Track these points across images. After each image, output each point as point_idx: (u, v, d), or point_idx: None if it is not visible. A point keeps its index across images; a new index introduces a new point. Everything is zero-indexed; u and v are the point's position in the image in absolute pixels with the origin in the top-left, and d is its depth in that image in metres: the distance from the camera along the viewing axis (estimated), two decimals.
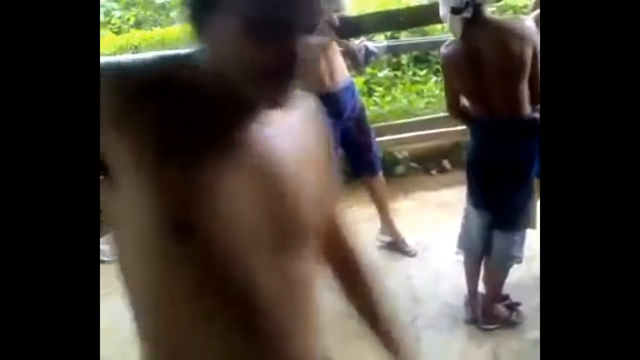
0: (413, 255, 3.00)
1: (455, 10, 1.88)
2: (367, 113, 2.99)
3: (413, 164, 4.11)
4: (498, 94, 1.94)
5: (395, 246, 3.07)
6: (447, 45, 2.00)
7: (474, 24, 1.88)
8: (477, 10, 1.86)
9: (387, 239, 3.10)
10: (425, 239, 3.15)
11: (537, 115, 1.97)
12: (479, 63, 1.91)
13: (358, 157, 2.89)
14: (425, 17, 2.69)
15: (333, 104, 2.61)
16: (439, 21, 2.35)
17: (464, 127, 3.73)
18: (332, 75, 2.63)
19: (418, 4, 5.74)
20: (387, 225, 3.10)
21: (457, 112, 2.16)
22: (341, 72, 2.69)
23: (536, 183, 2.14)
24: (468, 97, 2.06)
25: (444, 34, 5.54)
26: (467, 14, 1.86)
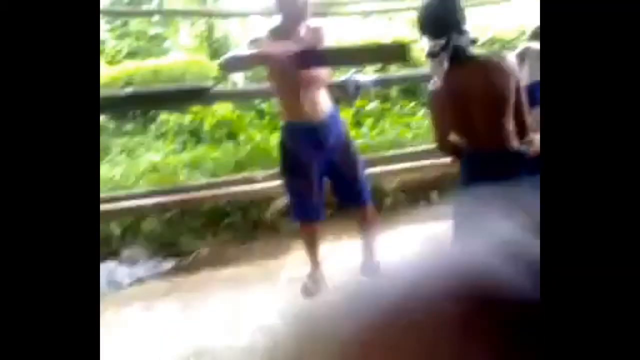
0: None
1: (431, 55, 1.92)
2: (354, 143, 2.93)
3: (401, 196, 4.13)
4: (484, 128, 1.97)
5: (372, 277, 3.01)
6: (434, 83, 2.04)
7: (457, 62, 1.91)
8: (457, 50, 1.89)
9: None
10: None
11: (523, 148, 2.01)
12: (464, 99, 1.94)
13: (343, 187, 2.85)
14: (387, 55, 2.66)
15: (316, 134, 2.63)
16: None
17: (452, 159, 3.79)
18: (315, 105, 2.61)
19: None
20: (368, 257, 3.04)
21: (445, 147, 2.18)
22: (325, 102, 2.67)
23: None
24: (456, 131, 2.09)
25: None
26: (443, 57, 1.89)
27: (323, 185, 2.83)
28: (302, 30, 2.51)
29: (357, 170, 2.83)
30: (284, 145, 2.75)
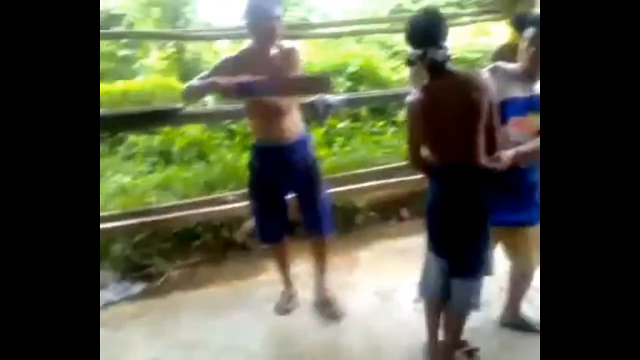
0: (336, 318, 2.88)
1: (409, 62, 2.02)
2: (320, 170, 2.84)
3: (372, 213, 4.16)
4: (456, 140, 2.03)
5: (321, 309, 2.94)
6: (412, 95, 2.10)
7: (435, 75, 2.00)
8: (436, 63, 1.97)
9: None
10: (385, 288, 3.16)
11: (491, 164, 2.07)
12: (439, 111, 2.01)
13: (305, 211, 2.82)
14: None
15: (284, 155, 2.62)
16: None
17: (421, 176, 3.85)
18: (284, 127, 2.60)
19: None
20: (319, 288, 3.01)
21: (417, 161, 2.22)
22: (295, 125, 2.66)
23: (492, 231, 2.22)
24: (428, 144, 2.14)
25: (401, 86, 5.76)
26: (421, 67, 1.98)
27: (287, 206, 2.84)
28: (273, 52, 2.50)
29: (319, 196, 2.79)
30: (252, 165, 2.75)
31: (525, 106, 2.27)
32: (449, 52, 1.97)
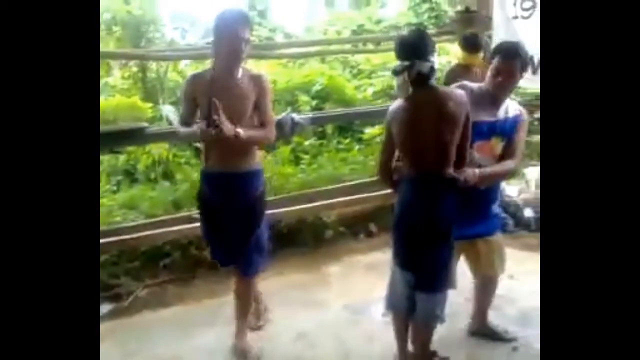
0: None
1: (394, 72, 2.15)
2: (264, 206, 2.69)
3: (341, 229, 4.22)
4: (430, 150, 2.14)
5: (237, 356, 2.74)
6: (395, 104, 2.23)
7: (419, 87, 2.12)
8: (421, 76, 2.10)
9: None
10: (355, 302, 3.20)
11: (457, 175, 2.18)
12: (418, 120, 2.13)
13: (235, 247, 2.62)
14: None
15: (234, 184, 2.54)
16: None
17: (387, 191, 3.92)
18: (237, 157, 2.51)
19: None
20: (238, 334, 2.79)
21: (386, 170, 2.33)
22: (251, 155, 2.57)
23: (455, 245, 2.30)
24: (402, 151, 2.23)
25: (366, 105, 5.88)
26: (406, 76, 2.10)
27: (237, 233, 2.61)
28: (240, 75, 2.45)
29: (254, 235, 2.61)
30: (201, 192, 2.65)
31: (489, 130, 2.37)
32: (435, 66, 2.10)
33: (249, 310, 2.81)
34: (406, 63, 2.09)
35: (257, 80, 2.49)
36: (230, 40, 2.37)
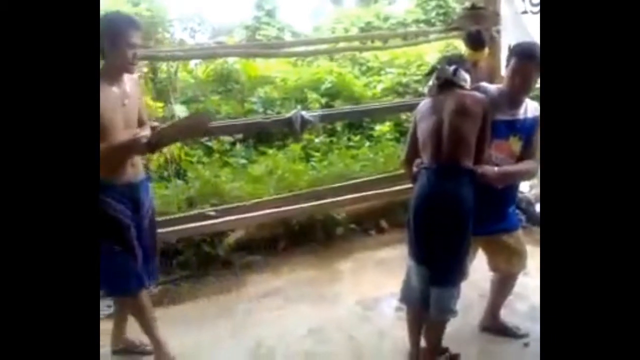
0: None
1: (425, 75, 2.42)
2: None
3: (352, 225, 4.23)
4: (449, 143, 2.21)
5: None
6: (423, 101, 2.41)
7: (445, 88, 2.28)
8: (447, 80, 2.28)
9: None
10: (366, 298, 3.22)
11: (476, 168, 2.23)
12: (439, 115, 2.25)
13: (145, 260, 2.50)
14: None
15: (136, 194, 2.43)
16: None
17: (398, 187, 3.94)
18: (135, 165, 2.43)
19: None
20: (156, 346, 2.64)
21: (408, 161, 2.44)
22: (140, 165, 2.49)
23: (473, 240, 2.30)
24: (423, 145, 2.31)
25: (376, 102, 5.89)
26: (434, 79, 2.31)
27: (141, 250, 2.47)
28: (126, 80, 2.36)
29: (154, 245, 2.57)
30: (101, 208, 2.30)
31: (507, 129, 2.37)
32: (466, 78, 2.30)
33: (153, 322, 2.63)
34: (436, 66, 2.34)
35: (135, 82, 2.45)
36: (122, 46, 2.25)
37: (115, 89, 2.30)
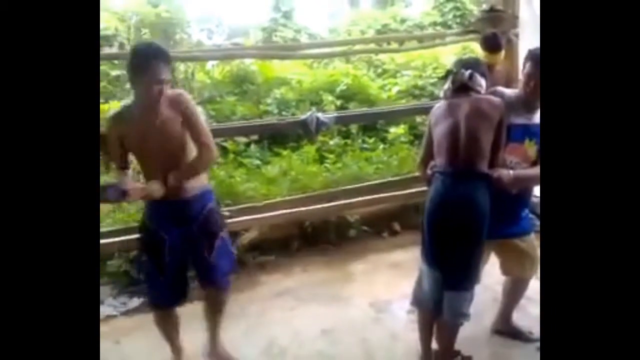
0: None
1: (441, 78, 2.41)
2: (219, 217, 2.55)
3: (365, 227, 4.24)
4: (465, 148, 2.21)
5: None
6: (438, 104, 2.41)
7: (461, 92, 2.29)
8: (463, 84, 2.28)
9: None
10: (379, 300, 3.23)
11: (490, 172, 2.22)
12: (455, 119, 2.25)
13: (198, 263, 2.50)
14: None
15: (180, 211, 2.38)
16: None
17: (411, 190, 3.94)
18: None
19: None
20: (212, 346, 2.72)
21: (424, 164, 2.44)
22: (193, 181, 2.39)
23: (487, 244, 2.29)
24: (438, 148, 2.31)
25: (391, 105, 5.89)
26: (449, 82, 2.32)
27: (181, 267, 2.50)
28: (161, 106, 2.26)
29: (215, 247, 2.48)
30: (145, 224, 2.45)
31: (523, 133, 2.37)
32: (482, 83, 2.30)
33: (222, 321, 2.72)
34: (451, 70, 2.33)
35: (176, 100, 2.29)
36: (150, 80, 2.16)
37: (146, 112, 2.23)
